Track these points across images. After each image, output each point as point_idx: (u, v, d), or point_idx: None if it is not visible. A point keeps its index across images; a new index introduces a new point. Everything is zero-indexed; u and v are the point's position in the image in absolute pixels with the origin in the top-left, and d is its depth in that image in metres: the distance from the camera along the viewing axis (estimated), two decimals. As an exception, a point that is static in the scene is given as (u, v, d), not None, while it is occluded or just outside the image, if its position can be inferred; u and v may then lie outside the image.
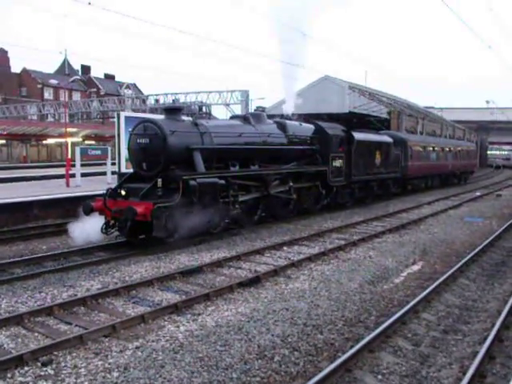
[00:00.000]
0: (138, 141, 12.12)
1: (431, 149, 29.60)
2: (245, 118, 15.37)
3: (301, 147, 16.83)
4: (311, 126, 17.93)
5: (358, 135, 20.00)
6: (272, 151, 15.44)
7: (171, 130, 11.98)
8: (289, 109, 18.70)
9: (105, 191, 11.99)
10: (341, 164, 18.47)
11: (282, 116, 18.13)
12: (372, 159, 21.06)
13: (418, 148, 27.17)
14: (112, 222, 11.47)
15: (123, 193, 11.87)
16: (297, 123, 17.40)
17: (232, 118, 17.02)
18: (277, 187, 15.37)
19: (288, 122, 16.98)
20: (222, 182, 12.50)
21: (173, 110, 13.07)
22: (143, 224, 11.04)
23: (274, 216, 15.77)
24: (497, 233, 14.21)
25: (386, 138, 23.30)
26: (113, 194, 11.84)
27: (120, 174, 16.91)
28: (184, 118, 13.77)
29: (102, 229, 11.54)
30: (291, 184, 15.95)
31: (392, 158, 23.06)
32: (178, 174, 11.75)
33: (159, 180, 11.52)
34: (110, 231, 11.67)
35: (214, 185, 12.13)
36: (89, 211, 11.75)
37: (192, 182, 11.51)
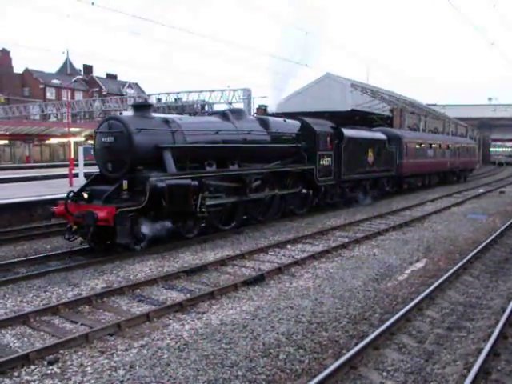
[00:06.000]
0: (103, 139, 11.43)
1: (428, 146, 28.71)
2: (223, 115, 14.41)
3: (284, 145, 15.90)
4: (297, 123, 16.96)
5: (348, 132, 19.04)
6: (253, 150, 14.45)
7: (138, 127, 11.25)
8: (275, 106, 18.17)
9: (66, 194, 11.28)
10: (329, 162, 17.50)
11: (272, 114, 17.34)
12: (364, 157, 20.10)
13: (413, 145, 26.23)
14: (74, 227, 10.72)
15: (86, 196, 11.17)
16: (281, 120, 16.48)
17: (210, 114, 16.09)
18: (258, 188, 14.40)
19: (271, 118, 16.19)
20: (195, 183, 11.65)
21: (141, 107, 12.28)
22: (109, 228, 10.29)
23: (256, 219, 14.81)
24: (500, 230, 14.20)
25: (379, 135, 22.42)
26: (75, 197, 11.15)
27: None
28: (155, 115, 12.82)
29: (64, 235, 11.03)
30: (274, 185, 15.06)
31: (386, 155, 22.13)
32: (144, 175, 10.98)
33: (124, 182, 10.83)
34: (73, 237, 10.95)
35: (186, 187, 11.31)
36: (50, 216, 11.09)
37: (160, 184, 10.76)
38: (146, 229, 10.89)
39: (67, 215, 10.85)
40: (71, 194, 11.13)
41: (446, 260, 10.94)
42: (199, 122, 14.08)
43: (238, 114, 14.86)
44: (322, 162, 17.08)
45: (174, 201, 11.00)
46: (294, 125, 16.81)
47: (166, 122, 12.19)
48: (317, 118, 18.78)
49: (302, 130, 16.80)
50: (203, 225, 12.74)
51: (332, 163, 17.68)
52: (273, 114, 17.32)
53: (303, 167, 16.40)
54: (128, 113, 13.10)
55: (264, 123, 15.43)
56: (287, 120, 16.77)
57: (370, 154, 20.65)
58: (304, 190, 16.67)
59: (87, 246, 11.26)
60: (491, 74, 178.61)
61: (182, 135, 12.30)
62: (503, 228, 14.56)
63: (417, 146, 26.85)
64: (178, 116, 14.87)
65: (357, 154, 19.44)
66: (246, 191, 13.78)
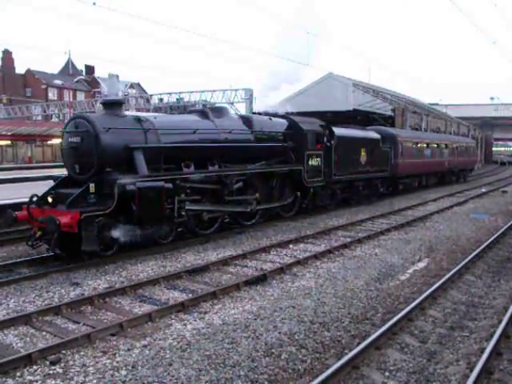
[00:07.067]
0: (70, 140, 10.81)
1: (425, 145, 27.86)
2: (202, 113, 13.67)
3: (269, 145, 15.06)
4: (284, 121, 16.12)
5: (339, 130, 18.28)
6: (234, 149, 13.70)
7: (105, 126, 10.59)
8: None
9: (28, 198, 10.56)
10: (318, 163, 16.66)
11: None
12: (356, 157, 19.28)
13: (409, 144, 25.15)
14: (39, 233, 10.05)
15: (50, 200, 10.49)
16: (266, 118, 15.68)
17: (189, 112, 15.25)
18: (239, 191, 13.67)
19: (255, 116, 15.54)
20: (169, 185, 10.94)
21: (112, 105, 11.43)
22: (76, 234, 9.63)
23: (239, 224, 14.11)
24: (502, 229, 14.19)
25: (373, 134, 21.58)
26: (39, 201, 10.46)
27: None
28: (127, 113, 12.15)
29: (27, 242, 10.48)
30: (257, 186, 14.36)
31: (380, 155, 21.32)
32: (113, 177, 10.28)
33: (91, 185, 10.16)
34: (38, 244, 10.38)
35: (159, 189, 10.60)
36: (11, 221, 10.57)
37: (130, 187, 10.06)
38: (115, 235, 10.18)
39: (31, 220, 10.24)
40: (34, 198, 10.47)
41: (448, 259, 10.93)
42: (175, 120, 13.36)
43: (218, 112, 14.12)
44: (310, 162, 16.26)
45: (146, 204, 10.32)
46: (280, 123, 16.03)
47: (139, 120, 11.57)
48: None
49: (290, 128, 16.03)
50: (180, 229, 12.13)
51: (321, 163, 16.87)
52: (258, 113, 16.69)
53: (290, 167, 15.61)
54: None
55: (247, 121, 14.70)
56: (273, 118, 16.01)
57: (363, 153, 19.73)
58: (289, 200, 15.83)
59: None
60: (493, 74, 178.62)
61: (156, 135, 11.66)
62: (506, 227, 14.54)
63: (413, 146, 25.89)
64: (153, 114, 14.28)
65: (348, 153, 18.58)
66: (225, 194, 13.01)
